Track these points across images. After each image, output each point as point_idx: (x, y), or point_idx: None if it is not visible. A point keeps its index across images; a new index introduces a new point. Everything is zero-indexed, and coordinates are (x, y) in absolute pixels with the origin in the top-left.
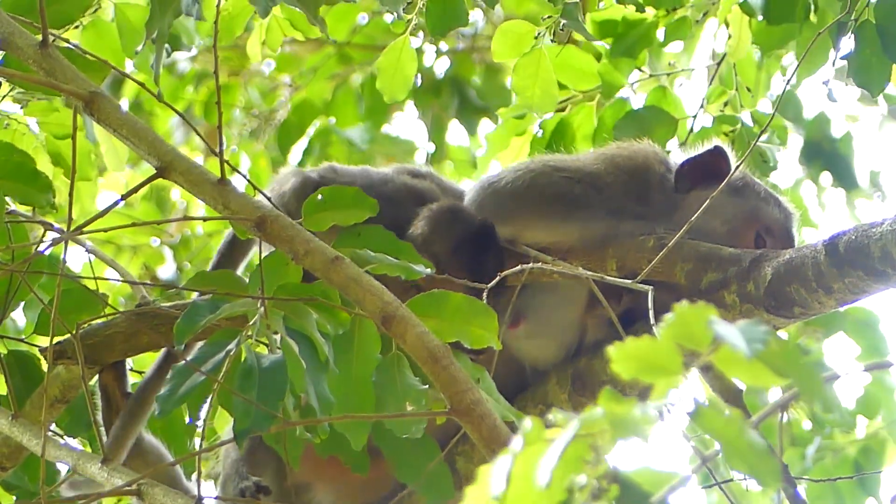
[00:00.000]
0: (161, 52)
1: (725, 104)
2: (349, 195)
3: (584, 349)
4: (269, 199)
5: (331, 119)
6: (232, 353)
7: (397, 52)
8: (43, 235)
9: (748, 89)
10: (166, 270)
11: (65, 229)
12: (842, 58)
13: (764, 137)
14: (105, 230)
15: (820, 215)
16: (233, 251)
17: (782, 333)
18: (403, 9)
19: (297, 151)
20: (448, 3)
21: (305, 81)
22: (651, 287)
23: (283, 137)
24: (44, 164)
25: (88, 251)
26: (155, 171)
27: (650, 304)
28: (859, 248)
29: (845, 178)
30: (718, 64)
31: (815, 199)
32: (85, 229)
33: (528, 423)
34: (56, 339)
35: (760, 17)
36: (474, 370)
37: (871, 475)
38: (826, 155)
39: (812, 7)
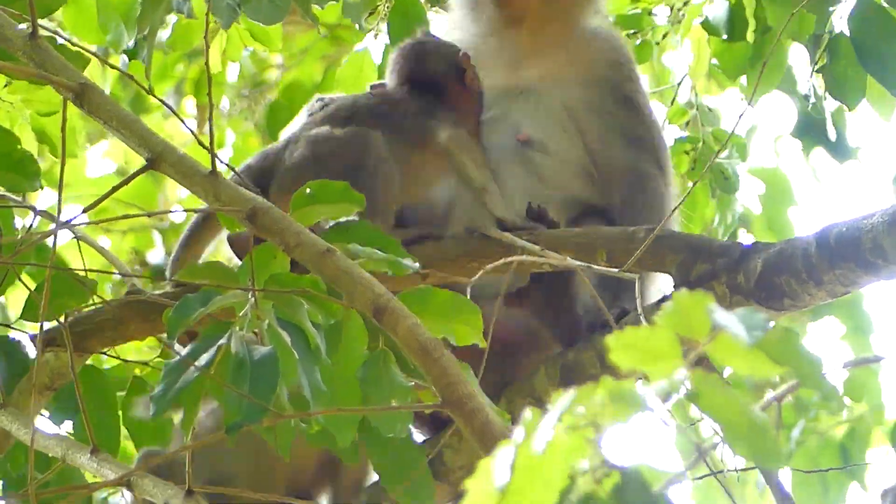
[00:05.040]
0: (152, 48)
1: (687, 124)
2: (337, 190)
3: (574, 342)
4: (256, 191)
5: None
6: (223, 347)
7: (359, 62)
8: (32, 221)
9: (709, 109)
10: (156, 255)
11: (54, 214)
12: (816, 71)
13: (724, 154)
14: (98, 222)
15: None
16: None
17: None
18: (365, 18)
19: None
20: (409, 12)
21: (296, 62)
22: (639, 275)
23: (272, 119)
24: (28, 142)
25: (79, 239)
26: (146, 163)
27: (637, 294)
28: (850, 239)
29: (839, 150)
30: (679, 84)
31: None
32: (76, 219)
33: (527, 413)
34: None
35: (725, 37)
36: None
37: (858, 465)
38: (820, 127)
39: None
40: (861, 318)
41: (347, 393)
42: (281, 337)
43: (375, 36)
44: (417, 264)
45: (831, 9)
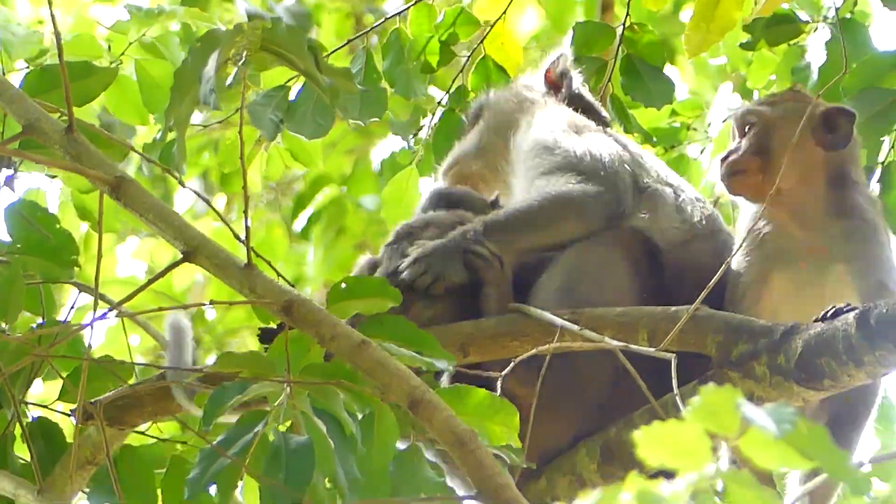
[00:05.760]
0: (183, 140)
1: None
2: (373, 285)
3: (613, 420)
4: (291, 284)
5: (342, 188)
6: (259, 435)
7: (404, 181)
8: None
9: None
10: None
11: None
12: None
13: None
14: (135, 314)
15: None
16: None
17: None
18: (413, 135)
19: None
20: (451, 131)
21: (324, 155)
22: (674, 354)
23: (299, 211)
24: (70, 219)
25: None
26: (181, 255)
27: (673, 373)
28: (891, 320)
29: None
30: (717, 200)
31: None
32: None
33: None
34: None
35: None
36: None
37: None
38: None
39: None
40: (887, 406)
41: (378, 484)
42: (317, 426)
43: (415, 160)
44: (452, 364)
45: (882, 139)
